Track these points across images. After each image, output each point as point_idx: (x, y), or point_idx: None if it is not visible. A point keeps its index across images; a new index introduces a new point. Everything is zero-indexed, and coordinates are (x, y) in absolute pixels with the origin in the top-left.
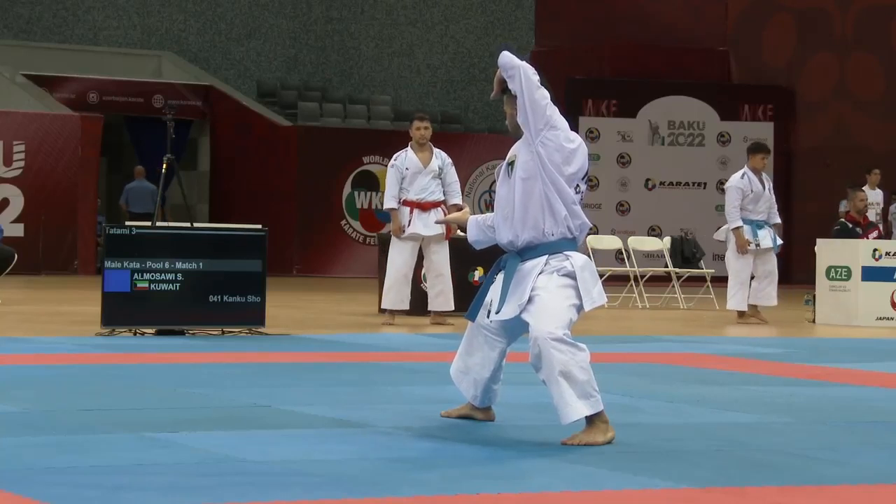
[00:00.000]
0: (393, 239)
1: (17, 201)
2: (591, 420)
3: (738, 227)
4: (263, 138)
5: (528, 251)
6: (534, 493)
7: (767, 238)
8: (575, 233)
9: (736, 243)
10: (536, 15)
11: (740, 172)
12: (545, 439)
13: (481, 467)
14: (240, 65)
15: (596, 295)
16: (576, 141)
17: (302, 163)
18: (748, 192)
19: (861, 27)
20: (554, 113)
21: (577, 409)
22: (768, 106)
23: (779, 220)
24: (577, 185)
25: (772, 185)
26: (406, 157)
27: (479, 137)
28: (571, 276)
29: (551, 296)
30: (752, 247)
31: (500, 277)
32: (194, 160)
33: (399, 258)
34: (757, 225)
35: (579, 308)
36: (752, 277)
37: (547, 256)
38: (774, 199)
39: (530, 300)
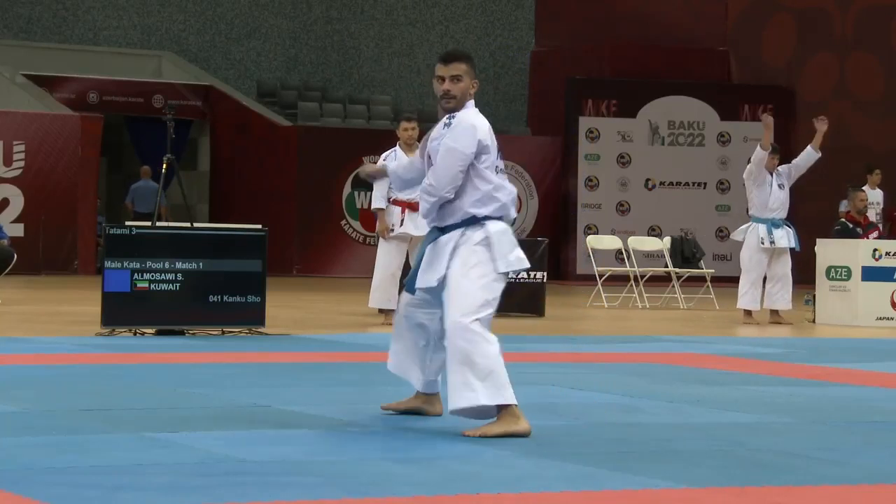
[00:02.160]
0: (380, 239)
1: (17, 201)
2: (501, 413)
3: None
4: (263, 138)
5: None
6: (534, 493)
7: (784, 238)
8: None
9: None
10: (536, 15)
11: None
12: (545, 439)
13: (481, 467)
14: (240, 65)
15: (513, 259)
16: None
17: (302, 163)
18: (760, 185)
19: (861, 27)
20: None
21: (474, 396)
22: (768, 106)
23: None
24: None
25: (785, 177)
26: (395, 158)
27: None
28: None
29: (464, 278)
30: (768, 245)
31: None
32: (194, 160)
33: (386, 258)
34: (773, 223)
35: (495, 280)
36: (765, 279)
37: (464, 228)
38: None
39: (445, 280)
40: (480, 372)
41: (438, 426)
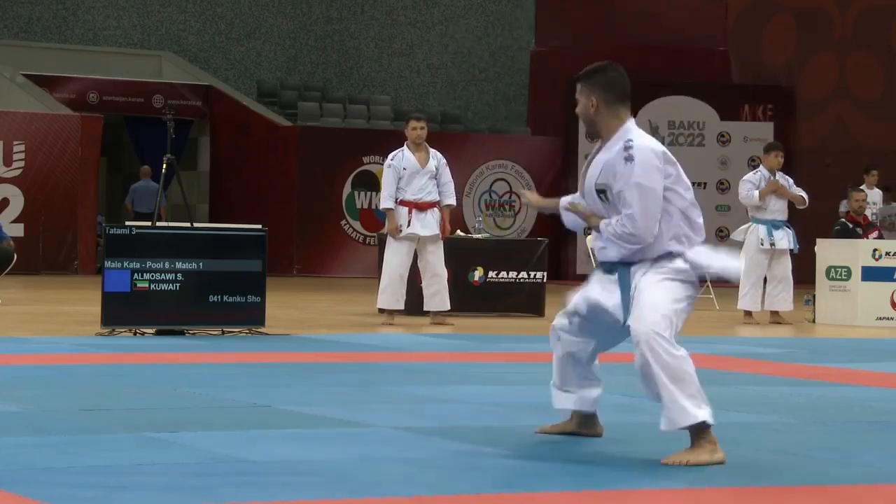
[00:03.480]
0: (389, 239)
1: (17, 201)
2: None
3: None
4: (263, 138)
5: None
6: (534, 493)
7: (784, 240)
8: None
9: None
10: (536, 15)
11: (754, 171)
12: (545, 439)
13: (481, 467)
14: (240, 65)
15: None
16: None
17: (302, 163)
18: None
19: (861, 27)
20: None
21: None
22: (768, 106)
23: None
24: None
25: (790, 181)
26: (403, 157)
27: (479, 137)
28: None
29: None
30: (768, 246)
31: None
32: (194, 160)
33: (395, 258)
34: (773, 225)
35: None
36: (766, 280)
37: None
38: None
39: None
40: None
41: (438, 426)
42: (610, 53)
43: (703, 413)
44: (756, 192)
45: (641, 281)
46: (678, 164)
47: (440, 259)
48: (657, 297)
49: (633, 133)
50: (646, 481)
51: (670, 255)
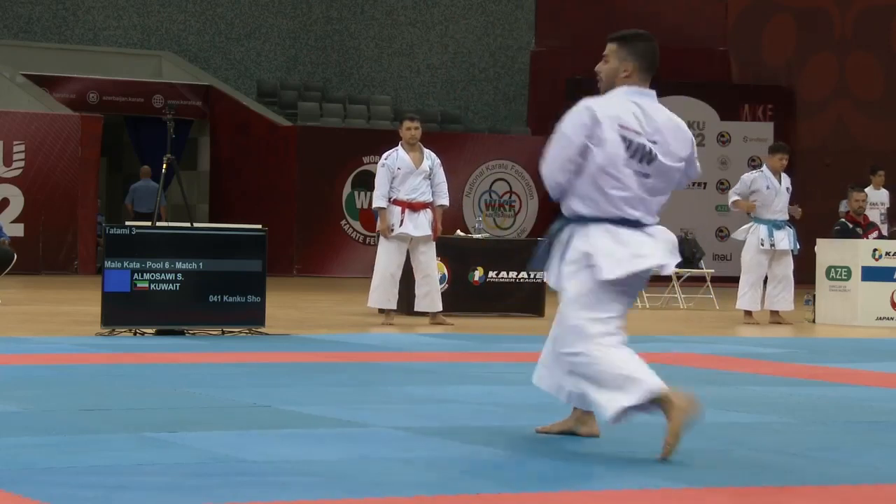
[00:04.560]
0: (381, 238)
1: (17, 201)
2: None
3: (735, 201)
4: (263, 138)
5: None
6: (534, 493)
7: (785, 240)
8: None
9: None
10: (536, 15)
11: (758, 171)
12: (545, 439)
13: (481, 467)
14: (240, 65)
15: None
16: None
17: (302, 163)
18: (762, 188)
19: (861, 27)
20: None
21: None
22: (768, 106)
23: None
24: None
25: (791, 186)
26: (398, 157)
27: (479, 137)
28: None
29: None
30: (768, 247)
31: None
32: (194, 160)
33: (386, 257)
34: (774, 225)
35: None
36: (766, 280)
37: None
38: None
39: None
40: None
41: (438, 426)
42: None
43: (619, 400)
44: (736, 198)
45: (561, 272)
46: (626, 135)
47: (432, 260)
48: (563, 308)
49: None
50: (646, 481)
51: (584, 220)
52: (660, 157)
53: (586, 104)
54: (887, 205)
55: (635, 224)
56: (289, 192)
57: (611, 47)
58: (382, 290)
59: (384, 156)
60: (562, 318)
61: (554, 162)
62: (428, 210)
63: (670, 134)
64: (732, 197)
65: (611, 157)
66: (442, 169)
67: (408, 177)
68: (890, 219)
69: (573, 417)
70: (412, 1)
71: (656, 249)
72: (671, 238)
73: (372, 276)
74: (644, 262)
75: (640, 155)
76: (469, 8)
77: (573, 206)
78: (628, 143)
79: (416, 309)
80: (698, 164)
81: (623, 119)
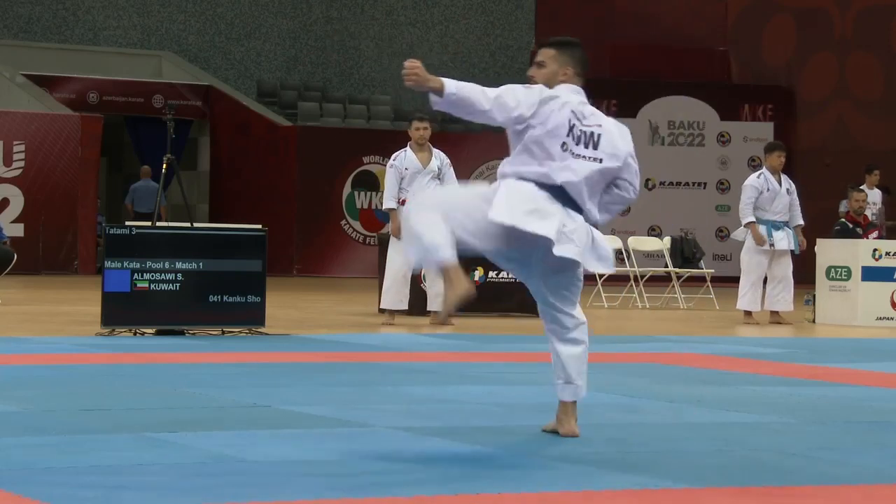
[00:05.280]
0: (392, 239)
1: (17, 201)
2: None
3: (751, 223)
4: (263, 138)
5: None
6: (534, 493)
7: (784, 240)
8: None
9: (753, 238)
10: (536, 15)
11: (757, 172)
12: (545, 439)
13: (481, 467)
14: (240, 65)
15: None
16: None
17: (302, 163)
18: (763, 190)
19: (861, 27)
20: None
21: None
22: (768, 106)
23: (801, 222)
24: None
25: (793, 186)
26: (406, 157)
27: (479, 137)
28: None
29: None
30: (767, 247)
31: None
32: (194, 160)
33: (398, 258)
34: (773, 225)
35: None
36: (766, 280)
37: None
38: (797, 201)
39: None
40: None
41: (438, 426)
42: (610, 53)
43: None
44: (752, 220)
45: None
46: (572, 120)
47: None
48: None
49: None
50: (646, 481)
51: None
52: (602, 144)
53: (545, 88)
54: (879, 204)
55: (560, 194)
56: (289, 192)
57: (548, 52)
58: (395, 291)
59: (393, 156)
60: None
61: (501, 93)
62: None
63: (614, 129)
64: (749, 217)
65: (552, 132)
66: (452, 169)
67: (415, 177)
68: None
69: (556, 418)
70: (412, 1)
71: (557, 226)
72: (602, 242)
73: (377, 277)
74: (530, 226)
75: (584, 139)
76: (469, 8)
77: (512, 168)
78: (571, 127)
79: (429, 308)
80: (637, 181)
81: (573, 105)
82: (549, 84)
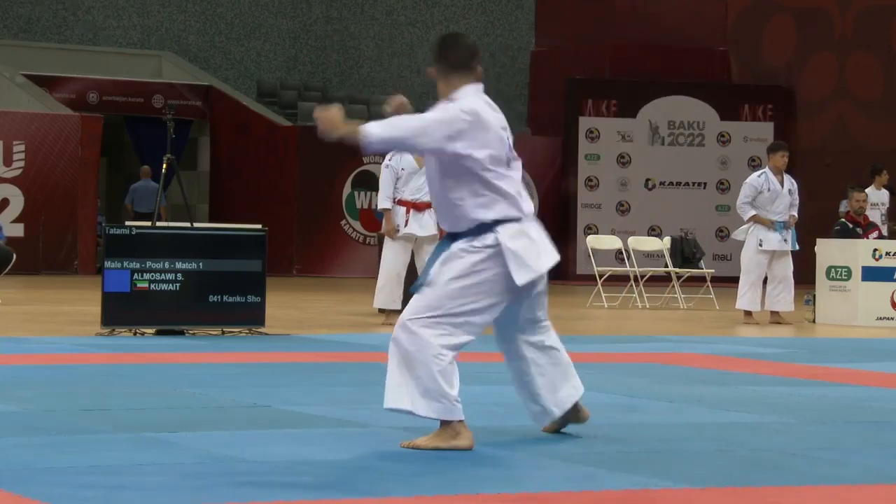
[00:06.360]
0: (386, 239)
1: (17, 201)
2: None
3: (753, 216)
4: (263, 138)
5: None
6: (534, 493)
7: (784, 241)
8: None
9: (761, 224)
10: (536, 15)
11: (759, 171)
12: (545, 439)
13: (481, 467)
14: (240, 65)
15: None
16: None
17: (302, 163)
18: (763, 190)
19: (861, 27)
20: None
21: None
22: (768, 106)
23: (794, 213)
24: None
25: (796, 186)
26: (401, 158)
27: None
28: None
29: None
30: (769, 249)
31: None
32: (194, 160)
33: (392, 257)
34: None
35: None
36: (766, 280)
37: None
38: (798, 200)
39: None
40: (421, 383)
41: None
42: (610, 53)
43: (421, 406)
44: (753, 213)
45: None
46: (490, 130)
47: None
48: (435, 281)
49: (463, 95)
50: (646, 481)
51: (484, 227)
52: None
53: (460, 106)
54: (887, 205)
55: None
56: (289, 192)
57: (431, 70)
58: (388, 290)
59: (388, 157)
60: None
61: (410, 121)
62: (432, 210)
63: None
64: (749, 212)
65: (493, 155)
66: None
67: (412, 177)
68: (890, 219)
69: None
70: (412, 1)
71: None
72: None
73: (375, 277)
74: (544, 265)
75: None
76: (469, 8)
77: (472, 214)
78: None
79: None
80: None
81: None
82: (450, 97)
